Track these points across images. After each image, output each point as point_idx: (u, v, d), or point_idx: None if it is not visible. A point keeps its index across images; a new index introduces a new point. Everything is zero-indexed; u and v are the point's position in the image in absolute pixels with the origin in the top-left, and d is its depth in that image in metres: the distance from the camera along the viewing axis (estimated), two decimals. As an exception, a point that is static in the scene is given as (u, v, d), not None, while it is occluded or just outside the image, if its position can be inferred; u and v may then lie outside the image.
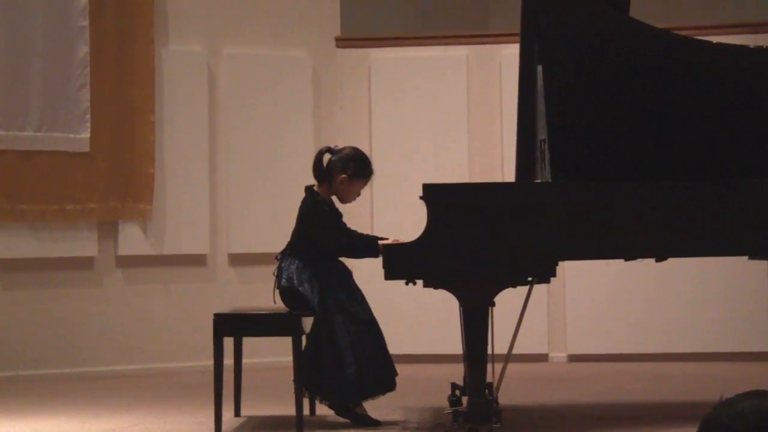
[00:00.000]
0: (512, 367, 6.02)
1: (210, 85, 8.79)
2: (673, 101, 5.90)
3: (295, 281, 5.93)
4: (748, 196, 5.79)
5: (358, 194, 6.20)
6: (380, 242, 5.79)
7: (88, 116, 8.29)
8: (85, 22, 8.31)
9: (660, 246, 5.77)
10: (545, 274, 5.60)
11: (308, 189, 6.11)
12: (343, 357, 5.86)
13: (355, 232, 6.17)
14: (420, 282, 5.58)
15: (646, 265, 6.29)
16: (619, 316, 8.74)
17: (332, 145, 6.20)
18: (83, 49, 8.30)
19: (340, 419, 6.00)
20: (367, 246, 5.93)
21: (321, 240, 5.96)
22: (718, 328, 8.64)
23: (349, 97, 9.10)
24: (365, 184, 6.20)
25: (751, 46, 6.28)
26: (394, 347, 6.16)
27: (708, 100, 5.91)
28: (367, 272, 6.52)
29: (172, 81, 8.65)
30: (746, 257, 6.40)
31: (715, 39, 6.21)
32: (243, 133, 8.82)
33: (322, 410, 6.11)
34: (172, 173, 8.61)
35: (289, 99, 8.92)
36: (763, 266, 7.85)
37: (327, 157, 6.10)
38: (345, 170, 6.05)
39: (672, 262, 6.06)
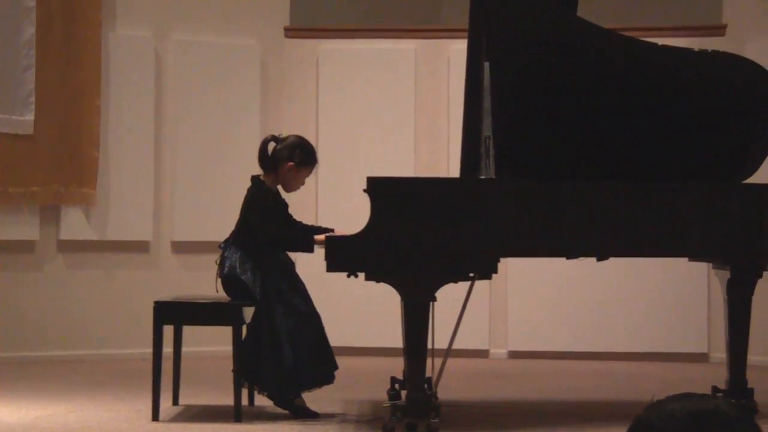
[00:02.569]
0: (452, 363, 6.05)
1: (157, 71, 8.74)
2: (618, 101, 5.94)
3: (238, 270, 5.91)
4: (690, 198, 5.84)
5: (303, 183, 6.20)
6: (323, 235, 5.79)
7: (33, 98, 8.22)
8: (32, 3, 8.23)
9: (601, 245, 5.81)
10: (487, 270, 5.62)
11: (254, 178, 6.10)
12: (282, 348, 5.86)
13: (299, 224, 6.17)
14: (362, 275, 5.59)
15: (587, 264, 6.32)
16: (560, 313, 8.79)
17: (277, 134, 6.20)
18: (29, 31, 8.22)
19: (279, 410, 5.99)
20: (300, 242, 5.94)
21: (260, 229, 5.94)
22: (657, 329, 8.71)
23: (296, 87, 9.08)
24: (311, 172, 6.20)
25: (696, 50, 6.32)
26: (335, 339, 6.16)
27: (653, 102, 5.96)
28: (309, 264, 6.51)
29: (119, 65, 8.59)
30: (686, 259, 6.45)
31: (661, 41, 6.25)
32: (189, 119, 8.78)
33: (261, 401, 6.11)
34: (116, 158, 8.56)
35: (237, 87, 8.89)
36: (702, 268, 7.93)
37: (272, 145, 6.09)
38: (292, 158, 6.04)
39: (613, 261, 6.10)
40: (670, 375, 7.92)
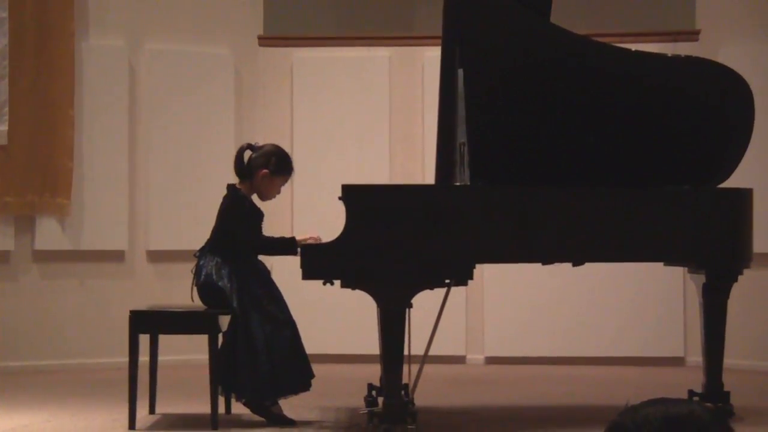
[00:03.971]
0: (429, 369, 6.05)
1: (131, 80, 8.71)
2: (591, 107, 5.96)
3: (214, 277, 5.91)
4: (664, 203, 5.87)
5: (279, 192, 6.20)
6: (298, 239, 5.83)
7: (6, 109, 8.19)
8: (5, 14, 8.21)
9: (577, 251, 5.82)
10: (462, 277, 5.63)
11: (230, 186, 6.10)
12: (258, 355, 5.85)
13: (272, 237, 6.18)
14: (338, 282, 5.59)
15: (563, 270, 6.34)
16: (536, 319, 8.79)
17: (253, 142, 6.20)
18: (2, 41, 8.19)
19: (256, 417, 5.98)
20: (284, 244, 5.97)
21: (241, 236, 5.95)
22: (633, 333, 8.72)
23: (270, 95, 9.07)
24: (286, 180, 6.20)
25: (670, 55, 6.35)
26: (311, 347, 6.16)
27: (627, 107, 5.98)
28: (285, 271, 6.50)
29: (93, 75, 8.56)
30: (662, 263, 6.47)
31: (635, 47, 6.28)
32: (163, 129, 8.75)
33: (238, 408, 6.10)
34: (90, 168, 8.52)
35: (211, 96, 8.86)
36: (678, 272, 7.95)
37: (248, 153, 6.10)
38: (267, 165, 6.04)
39: (589, 266, 6.11)
40: (647, 379, 7.93)
